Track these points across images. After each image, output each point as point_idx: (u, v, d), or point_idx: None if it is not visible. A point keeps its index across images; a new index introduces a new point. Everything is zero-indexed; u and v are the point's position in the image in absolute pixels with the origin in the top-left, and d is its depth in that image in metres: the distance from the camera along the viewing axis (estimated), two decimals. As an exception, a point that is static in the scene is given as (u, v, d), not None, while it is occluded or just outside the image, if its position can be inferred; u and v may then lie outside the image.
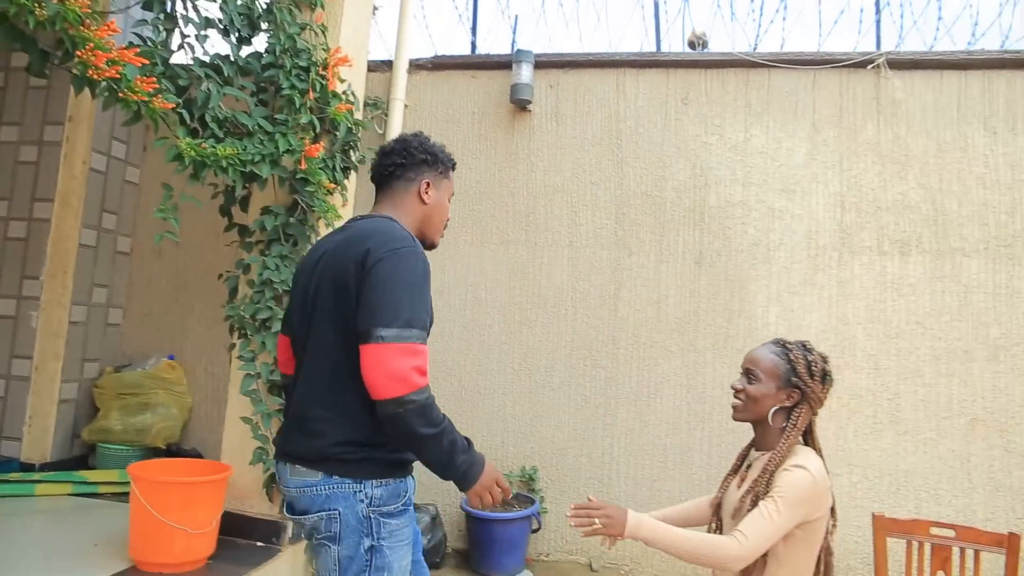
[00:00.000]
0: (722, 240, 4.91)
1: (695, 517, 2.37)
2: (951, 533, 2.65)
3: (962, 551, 2.61)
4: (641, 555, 4.88)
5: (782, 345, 2.21)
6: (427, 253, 2.18)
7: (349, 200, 3.79)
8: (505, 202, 5.22)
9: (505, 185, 5.24)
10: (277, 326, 3.22)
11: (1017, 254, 4.65)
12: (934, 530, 2.65)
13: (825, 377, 2.19)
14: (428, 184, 2.22)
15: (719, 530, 2.26)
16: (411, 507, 2.08)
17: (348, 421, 1.97)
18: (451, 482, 2.05)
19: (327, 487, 1.99)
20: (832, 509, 2.14)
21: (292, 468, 2.05)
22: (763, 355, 2.21)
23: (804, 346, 2.21)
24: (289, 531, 3.41)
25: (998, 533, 2.59)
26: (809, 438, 2.22)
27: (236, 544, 3.43)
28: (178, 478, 3.25)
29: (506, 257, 5.19)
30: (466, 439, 2.01)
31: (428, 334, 1.99)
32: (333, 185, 3.60)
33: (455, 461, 1.94)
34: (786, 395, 2.17)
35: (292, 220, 3.52)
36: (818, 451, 2.21)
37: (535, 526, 4.67)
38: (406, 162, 2.20)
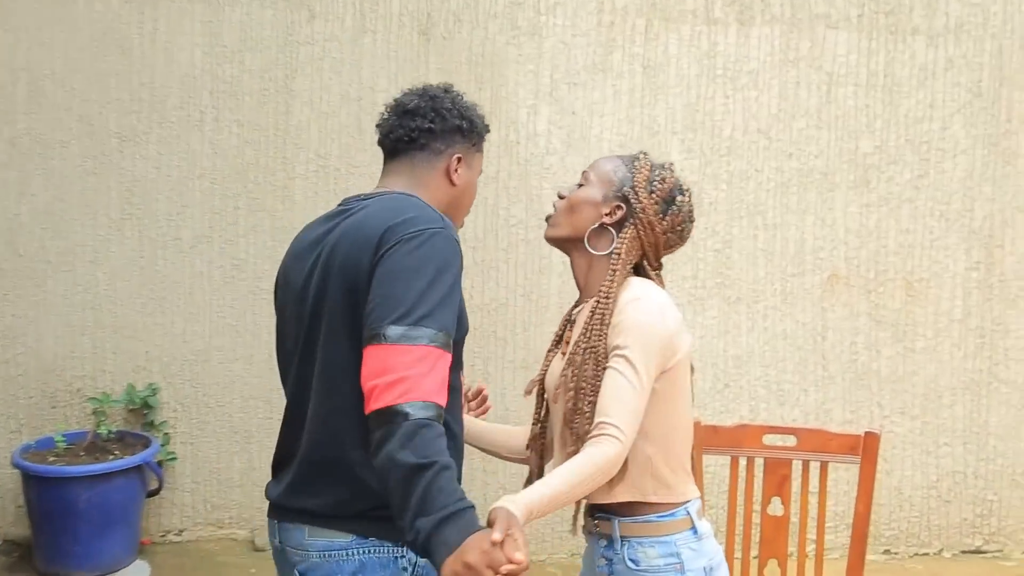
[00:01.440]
0: (461, -2, 3.63)
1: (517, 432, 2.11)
2: (791, 441, 2.36)
3: (804, 465, 2.33)
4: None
5: (635, 154, 1.95)
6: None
7: None
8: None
9: None
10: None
11: (902, 24, 3.69)
12: (768, 439, 2.37)
13: (669, 204, 1.88)
14: (460, 160, 1.92)
15: (544, 417, 1.96)
16: None
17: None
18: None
19: (360, 551, 1.73)
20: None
21: (310, 528, 1.75)
22: (605, 160, 1.97)
23: (664, 165, 1.93)
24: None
25: (850, 434, 2.32)
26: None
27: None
28: None
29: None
30: (469, 504, 1.53)
31: (455, 346, 1.71)
32: None
33: (418, 506, 1.51)
34: (610, 208, 1.89)
35: None
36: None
37: (154, 485, 3.47)
38: (435, 127, 1.90)
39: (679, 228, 1.88)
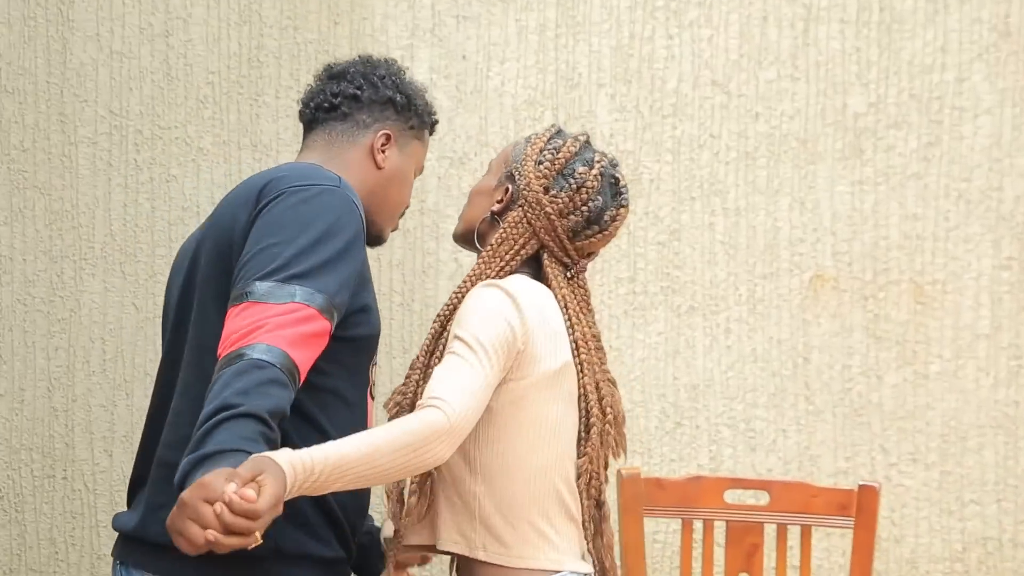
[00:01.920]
0: None
1: None
2: (763, 498, 2.33)
3: (781, 530, 2.25)
4: None
5: (546, 129, 1.92)
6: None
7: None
8: None
9: None
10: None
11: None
12: (731, 495, 2.32)
13: (563, 177, 1.79)
14: (388, 138, 1.93)
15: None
16: None
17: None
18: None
19: None
20: (588, 390, 1.77)
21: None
22: (515, 143, 1.94)
23: (572, 137, 1.86)
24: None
25: (839, 489, 2.30)
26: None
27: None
28: None
29: None
30: (242, 448, 1.40)
31: (354, 342, 1.70)
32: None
33: (200, 442, 1.39)
34: (500, 193, 1.84)
35: None
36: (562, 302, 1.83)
37: None
38: (362, 95, 1.92)
39: (582, 209, 1.77)
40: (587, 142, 1.86)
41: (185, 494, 1.32)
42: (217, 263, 1.68)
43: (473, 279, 1.79)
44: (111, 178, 2.87)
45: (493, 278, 1.76)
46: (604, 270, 3.09)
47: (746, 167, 3.15)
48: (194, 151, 2.90)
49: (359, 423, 1.75)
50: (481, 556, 1.68)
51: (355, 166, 1.90)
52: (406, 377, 1.86)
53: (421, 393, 1.71)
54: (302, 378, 1.55)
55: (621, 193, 1.84)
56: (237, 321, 1.51)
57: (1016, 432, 3.17)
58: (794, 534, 2.33)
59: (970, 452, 3.16)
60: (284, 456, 1.40)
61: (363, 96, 1.92)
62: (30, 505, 2.88)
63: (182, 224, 2.89)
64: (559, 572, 1.69)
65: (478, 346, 1.62)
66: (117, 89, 3.00)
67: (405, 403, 1.78)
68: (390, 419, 1.80)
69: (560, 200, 1.76)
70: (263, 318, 1.49)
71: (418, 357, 1.81)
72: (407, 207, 2.04)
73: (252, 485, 1.31)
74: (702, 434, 3.21)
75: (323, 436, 1.61)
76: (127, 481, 2.91)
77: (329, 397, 1.67)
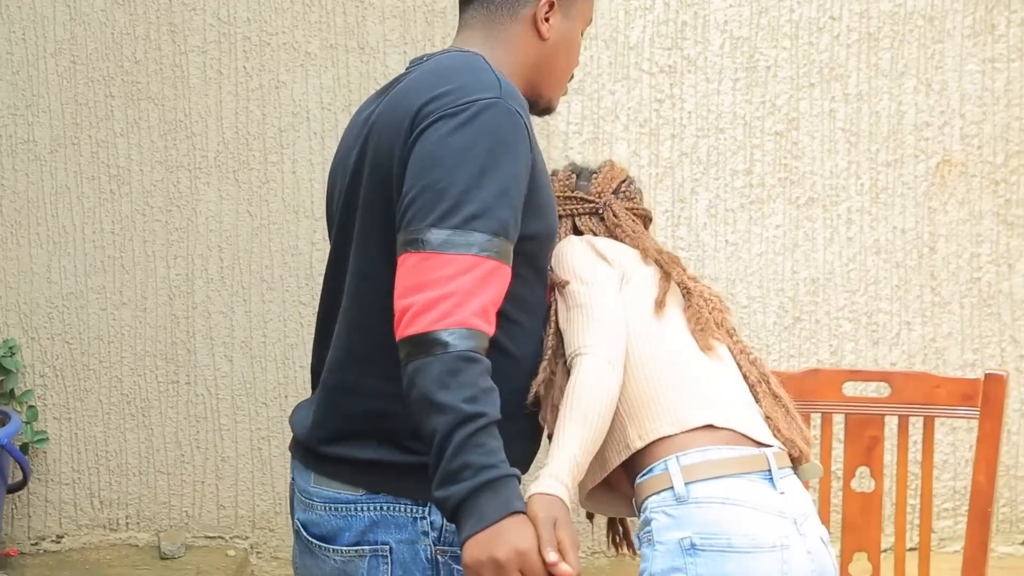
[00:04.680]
0: None
1: None
2: (884, 390, 2.29)
3: (903, 422, 2.23)
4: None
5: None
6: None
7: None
8: None
9: None
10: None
11: None
12: (850, 387, 2.29)
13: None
14: (552, 5, 1.83)
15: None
16: None
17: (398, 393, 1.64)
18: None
19: (371, 508, 1.71)
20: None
21: (315, 476, 1.77)
22: None
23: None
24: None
25: (965, 379, 2.21)
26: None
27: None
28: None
29: None
30: (513, 472, 1.53)
31: (533, 249, 1.72)
32: None
33: (453, 464, 1.50)
34: None
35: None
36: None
37: (18, 477, 3.12)
38: None
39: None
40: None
41: (503, 556, 1.45)
42: (379, 190, 1.68)
43: None
44: (222, 86, 2.99)
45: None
46: (719, 163, 3.13)
47: (868, 49, 3.13)
48: (302, 56, 2.98)
49: (538, 324, 1.80)
50: (639, 444, 1.74)
51: (518, 42, 1.86)
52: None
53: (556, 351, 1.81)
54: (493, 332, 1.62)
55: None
56: (418, 275, 1.54)
57: None
58: (916, 427, 2.33)
59: None
60: (558, 487, 1.55)
61: None
62: (156, 409, 3.11)
63: (293, 130, 2.99)
64: (693, 448, 1.71)
65: (580, 276, 1.77)
66: (224, -5, 3.10)
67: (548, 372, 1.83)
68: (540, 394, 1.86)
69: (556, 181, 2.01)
70: (448, 277, 1.53)
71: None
72: (576, 67, 2.03)
73: (551, 545, 1.47)
74: (822, 329, 3.26)
75: (506, 357, 1.69)
76: (247, 385, 3.17)
77: (508, 310, 1.69)
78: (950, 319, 3.25)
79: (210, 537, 3.16)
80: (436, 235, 1.54)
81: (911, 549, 2.54)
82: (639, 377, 1.76)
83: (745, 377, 1.87)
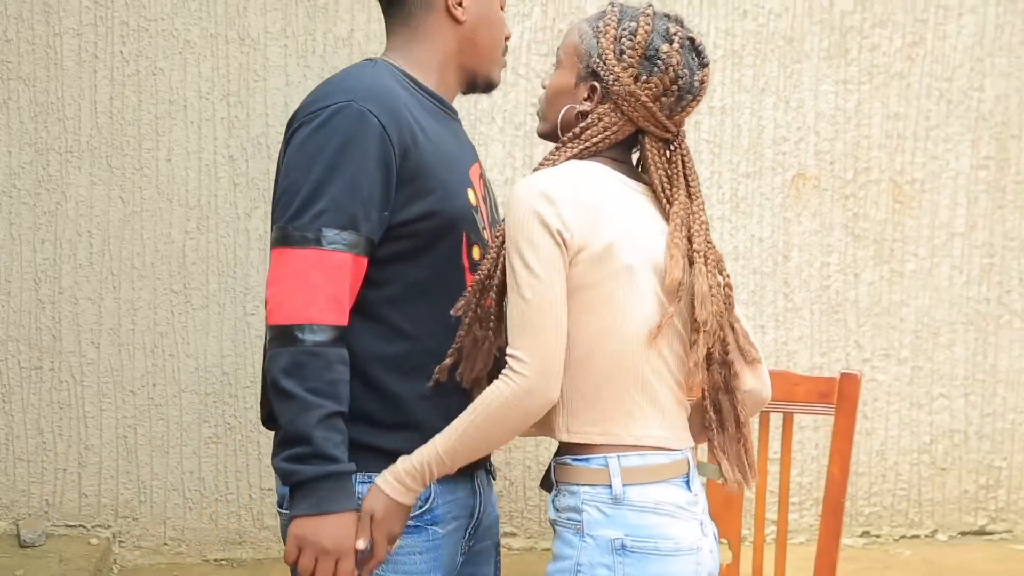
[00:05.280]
0: None
1: None
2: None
3: (763, 419, 2.27)
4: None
5: (606, 9, 1.79)
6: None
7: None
8: None
9: None
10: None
11: None
12: None
13: (650, 62, 1.72)
14: None
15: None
16: (441, 522, 1.84)
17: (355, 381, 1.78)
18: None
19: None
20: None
21: None
22: (573, 28, 1.84)
23: (636, 13, 1.76)
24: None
25: (821, 378, 2.27)
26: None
27: None
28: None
29: None
30: (351, 468, 1.70)
31: (427, 230, 1.76)
32: None
33: (301, 449, 1.66)
34: (586, 91, 1.77)
35: None
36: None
37: None
38: None
39: (674, 87, 1.70)
40: (655, 12, 1.78)
41: (329, 544, 1.65)
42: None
43: (546, 162, 1.77)
44: (96, 70, 2.92)
45: (569, 158, 1.75)
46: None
47: (732, 66, 3.22)
48: (181, 44, 2.93)
49: (444, 308, 1.78)
50: (564, 437, 1.73)
51: (437, 33, 1.90)
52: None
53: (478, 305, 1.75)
54: (346, 320, 1.69)
55: (701, 53, 1.77)
56: (275, 269, 1.67)
57: (986, 328, 3.39)
58: (775, 425, 2.36)
59: (941, 348, 3.37)
60: (393, 486, 1.66)
61: None
62: (17, 396, 3.00)
63: (169, 118, 2.92)
64: (633, 449, 1.69)
65: (528, 273, 1.64)
66: (99, -23, 2.95)
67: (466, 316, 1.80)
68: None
69: (653, 85, 1.71)
70: (299, 271, 1.64)
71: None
72: (508, 38, 2.01)
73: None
74: (683, 329, 3.32)
75: (397, 332, 1.75)
76: (114, 373, 3.06)
77: (399, 292, 1.76)
78: (800, 324, 3.35)
79: (71, 526, 3.05)
80: (287, 232, 1.66)
81: (767, 542, 2.64)
82: (599, 364, 1.70)
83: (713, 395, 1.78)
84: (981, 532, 3.49)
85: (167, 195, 2.96)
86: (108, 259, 2.99)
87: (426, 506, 1.83)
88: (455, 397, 1.77)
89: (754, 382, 1.83)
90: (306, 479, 1.66)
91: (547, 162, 1.76)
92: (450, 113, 1.93)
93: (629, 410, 1.69)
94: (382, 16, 1.91)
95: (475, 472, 1.93)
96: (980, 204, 3.36)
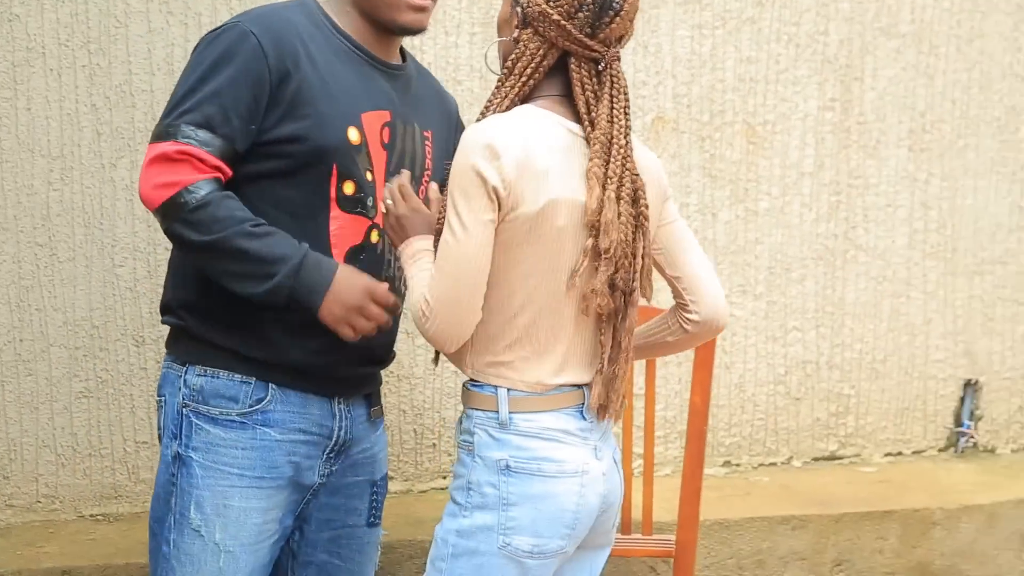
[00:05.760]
0: None
1: None
2: None
3: None
4: None
5: None
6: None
7: None
8: None
9: None
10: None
11: None
12: None
13: None
14: None
15: None
16: (277, 427, 1.95)
17: (174, 272, 2.02)
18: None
19: (164, 366, 2.05)
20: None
21: None
22: None
23: None
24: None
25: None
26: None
27: None
28: None
29: None
30: (294, 244, 1.85)
31: (272, 153, 1.90)
32: None
33: (253, 283, 1.83)
34: (515, 19, 1.77)
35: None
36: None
37: None
38: None
39: (588, 4, 1.69)
40: None
41: (354, 300, 1.80)
42: None
43: (490, 104, 1.75)
44: None
45: (513, 98, 1.73)
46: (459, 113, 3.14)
47: None
48: None
49: (303, 228, 1.89)
50: (468, 374, 1.81)
51: None
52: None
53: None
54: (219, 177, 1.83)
55: None
56: (144, 163, 1.86)
57: (834, 263, 3.51)
58: (638, 363, 2.40)
59: (793, 283, 3.48)
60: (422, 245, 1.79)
61: None
62: None
63: (27, 66, 2.83)
64: (522, 384, 1.76)
65: (459, 224, 1.66)
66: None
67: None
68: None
69: (564, 2, 1.69)
70: (159, 157, 1.83)
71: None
72: None
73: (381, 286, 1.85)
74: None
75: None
76: None
77: (269, 210, 1.88)
78: (660, 262, 3.39)
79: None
80: (156, 129, 1.87)
81: (635, 475, 2.69)
82: (505, 303, 1.75)
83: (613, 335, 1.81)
84: (832, 457, 3.61)
85: (28, 146, 2.88)
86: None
87: (258, 407, 1.94)
88: (296, 312, 1.88)
89: (709, 311, 1.94)
90: (290, 283, 1.79)
91: (492, 104, 1.75)
92: (368, 59, 1.99)
93: (526, 356, 1.76)
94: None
95: (334, 396, 2.02)
96: (827, 144, 3.45)
